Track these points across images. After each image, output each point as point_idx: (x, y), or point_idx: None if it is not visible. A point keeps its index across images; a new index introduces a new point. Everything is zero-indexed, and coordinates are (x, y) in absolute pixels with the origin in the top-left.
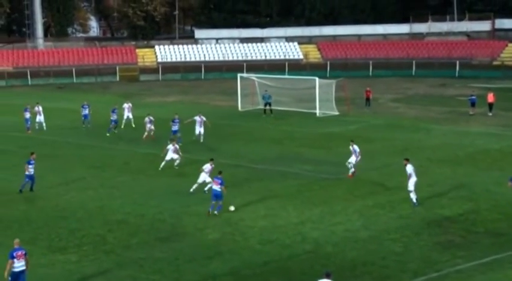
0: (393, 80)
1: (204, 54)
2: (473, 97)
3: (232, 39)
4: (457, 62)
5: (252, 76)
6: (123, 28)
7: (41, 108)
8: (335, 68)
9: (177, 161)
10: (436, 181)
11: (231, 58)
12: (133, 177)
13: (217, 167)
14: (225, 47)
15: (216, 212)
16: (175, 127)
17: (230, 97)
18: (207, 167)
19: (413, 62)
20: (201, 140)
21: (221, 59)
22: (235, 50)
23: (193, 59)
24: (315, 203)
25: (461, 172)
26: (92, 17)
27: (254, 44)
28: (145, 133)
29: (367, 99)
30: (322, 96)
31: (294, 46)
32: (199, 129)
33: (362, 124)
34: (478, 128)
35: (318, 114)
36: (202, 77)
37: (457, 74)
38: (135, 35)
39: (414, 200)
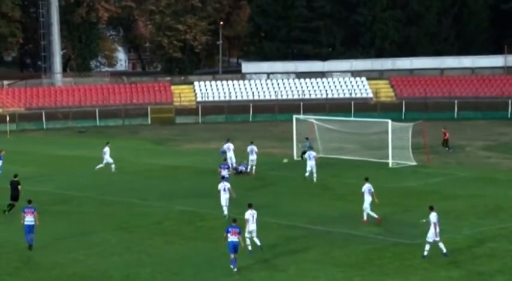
0: (484, 123)
1: (253, 92)
2: None
3: (287, 73)
4: None
5: (311, 118)
6: (157, 61)
7: None
8: (412, 108)
9: None
10: None
11: (285, 97)
12: (167, 240)
13: (269, 227)
14: (278, 83)
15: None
16: (224, 172)
17: (284, 143)
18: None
19: (509, 101)
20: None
21: (273, 97)
22: (290, 87)
23: (239, 98)
24: (387, 273)
25: None
26: (120, 48)
27: (313, 80)
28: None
29: (446, 141)
30: (396, 143)
31: (362, 82)
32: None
33: (445, 177)
34: None
35: (390, 165)
36: (251, 119)
37: None
38: (171, 69)
39: (425, 252)
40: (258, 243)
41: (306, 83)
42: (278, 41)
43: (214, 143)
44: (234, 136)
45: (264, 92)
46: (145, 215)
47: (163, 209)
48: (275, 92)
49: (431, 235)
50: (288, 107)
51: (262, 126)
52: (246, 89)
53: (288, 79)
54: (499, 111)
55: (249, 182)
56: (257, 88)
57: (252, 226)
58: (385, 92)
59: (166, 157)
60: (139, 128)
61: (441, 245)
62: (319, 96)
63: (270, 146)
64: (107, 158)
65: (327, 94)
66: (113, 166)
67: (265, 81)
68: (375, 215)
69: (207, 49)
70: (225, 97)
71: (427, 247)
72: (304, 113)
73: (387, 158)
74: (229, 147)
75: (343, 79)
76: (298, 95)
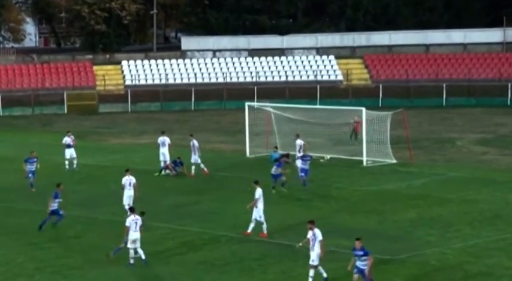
0: (478, 112)
1: (195, 74)
2: None
3: (238, 51)
4: None
5: (267, 106)
6: (75, 35)
7: None
8: (391, 94)
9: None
10: None
11: (235, 79)
12: (87, 258)
13: (216, 241)
14: (227, 63)
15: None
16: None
17: (234, 137)
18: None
19: (509, 85)
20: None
21: (220, 80)
22: (242, 68)
23: (178, 81)
24: None
25: None
26: (29, 19)
27: (270, 59)
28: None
29: (355, 132)
30: (372, 136)
31: (330, 61)
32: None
33: (432, 178)
34: None
35: (365, 163)
36: (193, 107)
37: None
38: (93, 46)
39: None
40: (143, 256)
41: (260, 63)
42: (226, 11)
43: (148, 137)
44: (171, 128)
45: (209, 74)
46: (61, 228)
47: (84, 220)
48: (223, 74)
49: (315, 256)
50: (238, 93)
51: (207, 116)
52: (186, 70)
53: (238, 58)
54: (497, 98)
55: (189, 184)
56: (200, 69)
57: (134, 235)
58: (358, 73)
59: (87, 155)
60: (54, 119)
61: (321, 269)
62: (277, 79)
63: (218, 141)
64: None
65: (286, 76)
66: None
67: (210, 61)
68: (265, 229)
69: (138, 21)
70: (160, 80)
71: (311, 272)
72: (259, 99)
73: (361, 154)
74: (164, 141)
75: (307, 58)
76: (252, 77)
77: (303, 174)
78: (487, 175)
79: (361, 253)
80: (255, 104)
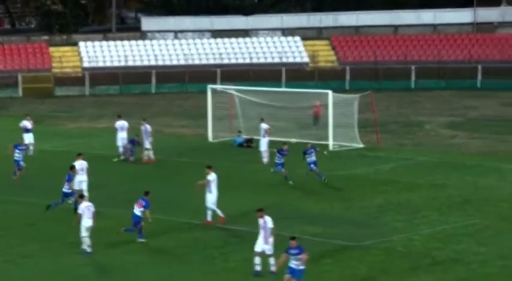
0: (448, 94)
1: (156, 56)
2: None
3: (200, 32)
4: None
5: (231, 89)
6: (30, 15)
7: None
8: (358, 76)
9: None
10: None
11: (197, 61)
12: (41, 247)
13: (179, 228)
14: (189, 45)
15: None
16: None
17: (196, 121)
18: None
19: (479, 67)
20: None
21: (182, 62)
22: (204, 49)
23: (138, 63)
24: None
25: None
26: None
27: (233, 40)
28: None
29: (316, 117)
30: (339, 120)
31: (295, 43)
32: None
33: (400, 162)
34: None
35: (332, 147)
36: (153, 90)
37: None
38: (49, 26)
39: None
40: (85, 247)
41: (224, 44)
42: None
43: (107, 121)
44: (131, 112)
45: (170, 56)
46: (16, 215)
47: (40, 207)
48: (184, 56)
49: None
50: (201, 75)
51: (169, 99)
52: (146, 51)
53: (201, 39)
54: (467, 80)
55: (148, 170)
56: (161, 51)
57: (88, 222)
58: (325, 55)
59: (44, 140)
60: (8, 102)
61: (271, 260)
62: (241, 61)
63: (179, 125)
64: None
65: (251, 58)
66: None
67: (171, 42)
68: (221, 214)
69: (96, 0)
70: (119, 62)
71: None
72: (223, 82)
73: (327, 139)
74: (123, 126)
75: (272, 39)
76: (214, 59)
77: (313, 166)
78: (456, 159)
79: (296, 251)
80: (218, 86)
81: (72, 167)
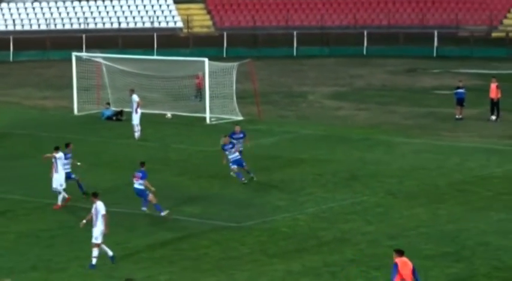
0: (332, 62)
1: (14, 20)
2: (461, 91)
3: None
4: (435, 33)
5: (97, 57)
6: None
7: None
8: (236, 43)
9: None
10: (402, 230)
11: (60, 26)
12: None
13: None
14: (50, 8)
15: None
16: None
17: (60, 92)
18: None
19: (364, 32)
20: None
21: (43, 28)
22: (68, 13)
23: None
24: (205, 269)
25: (442, 214)
26: None
27: (100, 3)
28: None
29: (198, 89)
30: (216, 91)
31: (168, 6)
32: None
33: (282, 136)
34: (470, 142)
35: (208, 121)
36: (11, 58)
37: (435, 53)
38: None
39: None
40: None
41: (89, 8)
42: None
43: None
44: None
45: (29, 21)
46: None
47: None
48: (46, 21)
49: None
50: (64, 42)
51: (28, 68)
52: (3, 15)
53: (64, 2)
54: (352, 47)
55: (6, 147)
56: (20, 15)
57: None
58: (200, 20)
59: None
60: None
61: (105, 248)
62: (108, 26)
63: (41, 97)
64: None
65: (119, 23)
66: None
67: (31, 5)
68: (65, 194)
69: None
70: None
71: (95, 252)
72: (88, 49)
73: (204, 111)
74: None
75: (142, 2)
76: (79, 24)
77: (235, 166)
78: (342, 132)
79: (241, 135)
80: (84, 54)
81: (68, 144)
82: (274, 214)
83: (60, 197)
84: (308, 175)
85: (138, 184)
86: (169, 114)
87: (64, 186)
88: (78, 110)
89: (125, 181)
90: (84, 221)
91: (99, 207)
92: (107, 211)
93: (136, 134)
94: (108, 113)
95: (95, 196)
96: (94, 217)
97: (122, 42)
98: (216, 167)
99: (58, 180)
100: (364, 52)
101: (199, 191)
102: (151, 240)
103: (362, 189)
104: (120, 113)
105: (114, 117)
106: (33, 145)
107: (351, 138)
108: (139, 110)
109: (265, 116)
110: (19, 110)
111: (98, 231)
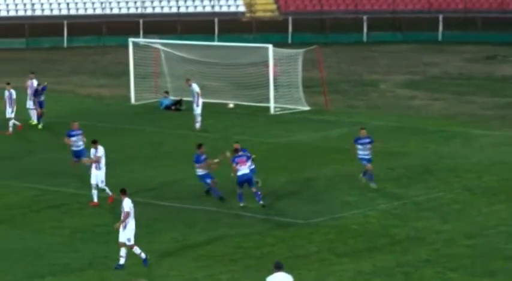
0: (404, 48)
1: (68, 4)
2: None
3: None
4: None
5: (155, 43)
6: None
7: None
8: (303, 28)
9: None
10: (480, 228)
11: (116, 11)
12: None
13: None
14: None
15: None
16: None
17: (116, 80)
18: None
19: (439, 17)
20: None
21: (98, 12)
22: None
23: (47, 13)
24: (270, 269)
25: None
26: None
27: None
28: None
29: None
30: (281, 79)
31: None
32: None
33: (351, 128)
34: None
35: (273, 111)
36: (65, 44)
37: None
38: None
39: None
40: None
41: None
42: None
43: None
44: (40, 70)
45: (84, 4)
46: None
47: None
48: (101, 5)
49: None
50: (121, 27)
51: (83, 54)
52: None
53: None
54: (426, 32)
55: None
56: None
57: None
58: (263, 4)
59: None
60: None
61: (137, 250)
62: (166, 10)
63: (96, 85)
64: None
65: (178, 7)
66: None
67: None
68: (109, 192)
69: None
70: (25, 11)
71: (122, 251)
72: (146, 35)
73: (268, 101)
74: (32, 84)
75: None
76: (136, 8)
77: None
78: (416, 124)
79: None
80: (141, 40)
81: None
82: (343, 210)
83: (95, 193)
84: (379, 169)
85: (199, 172)
86: (231, 104)
87: (104, 183)
88: (135, 99)
89: (184, 174)
90: (118, 224)
91: (124, 204)
92: (132, 208)
93: (198, 125)
94: (166, 102)
95: (123, 192)
96: (125, 215)
97: (181, 27)
98: (281, 160)
99: (100, 177)
100: (439, 38)
101: (263, 186)
102: (212, 237)
103: (437, 184)
104: (179, 102)
105: (173, 107)
106: (88, 136)
107: (426, 130)
108: (200, 100)
109: (333, 106)
110: (73, 99)
111: (130, 231)
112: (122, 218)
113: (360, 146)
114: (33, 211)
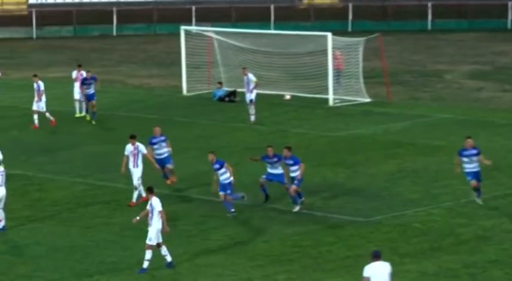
0: (471, 37)
1: None
2: None
3: None
4: None
5: (208, 31)
6: None
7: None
8: (363, 15)
9: None
10: None
11: None
12: None
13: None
14: None
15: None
16: None
17: (167, 70)
18: None
19: (508, 4)
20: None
21: None
22: None
23: (96, 0)
24: (327, 269)
25: None
26: None
27: None
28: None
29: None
30: (341, 69)
31: None
32: None
33: (415, 120)
34: None
35: (332, 102)
36: (115, 32)
37: None
38: None
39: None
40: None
41: None
42: None
43: (59, 69)
44: (88, 59)
45: None
46: None
47: None
48: None
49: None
50: (172, 14)
51: (133, 43)
52: None
53: None
54: (494, 20)
55: (110, 129)
56: None
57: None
58: None
59: None
60: None
61: (163, 251)
62: None
63: (147, 75)
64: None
65: None
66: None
67: None
68: (142, 192)
69: None
70: None
71: (148, 254)
72: (198, 23)
73: (327, 92)
74: (82, 75)
75: None
76: None
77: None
78: (484, 116)
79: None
80: (194, 28)
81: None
82: (406, 208)
83: (136, 194)
84: (444, 164)
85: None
86: (288, 96)
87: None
88: (188, 90)
89: (237, 169)
90: (138, 218)
91: (155, 203)
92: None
93: (252, 118)
94: (220, 93)
95: (151, 191)
96: (150, 215)
97: (235, 15)
98: (340, 154)
99: (136, 174)
100: (509, 26)
101: (322, 181)
102: (267, 235)
103: (506, 181)
104: (234, 93)
105: (226, 98)
106: (138, 129)
107: (494, 123)
108: (254, 91)
109: (395, 98)
110: (123, 90)
111: (153, 231)
112: (159, 217)
113: (465, 159)
114: (81, 207)
